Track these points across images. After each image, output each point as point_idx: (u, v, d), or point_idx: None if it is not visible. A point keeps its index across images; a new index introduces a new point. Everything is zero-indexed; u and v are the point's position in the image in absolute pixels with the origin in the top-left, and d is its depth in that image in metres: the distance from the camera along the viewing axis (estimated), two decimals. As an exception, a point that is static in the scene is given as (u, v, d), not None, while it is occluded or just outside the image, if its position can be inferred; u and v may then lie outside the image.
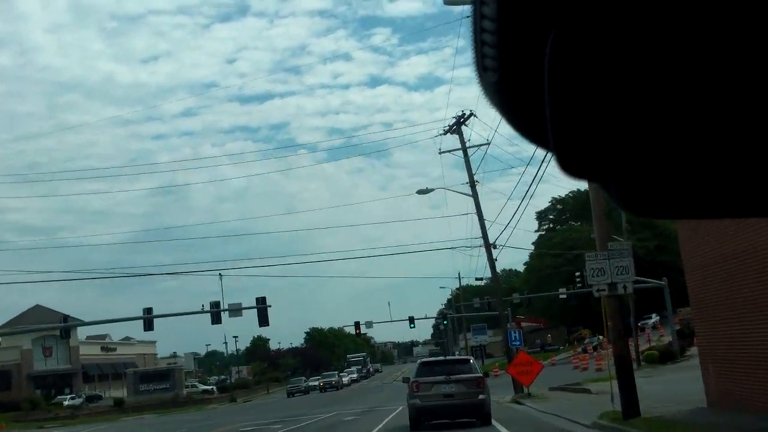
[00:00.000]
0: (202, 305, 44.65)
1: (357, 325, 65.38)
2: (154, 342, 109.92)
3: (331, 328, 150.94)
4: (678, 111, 0.91)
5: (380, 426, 24.49)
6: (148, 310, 44.23)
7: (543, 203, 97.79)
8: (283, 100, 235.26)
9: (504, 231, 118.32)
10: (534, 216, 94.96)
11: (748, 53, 0.86)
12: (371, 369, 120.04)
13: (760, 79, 0.87)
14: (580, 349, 68.67)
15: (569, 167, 0.95)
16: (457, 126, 37.46)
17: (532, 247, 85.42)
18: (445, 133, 37.96)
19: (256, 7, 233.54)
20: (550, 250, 77.02)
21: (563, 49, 0.89)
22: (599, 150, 0.94)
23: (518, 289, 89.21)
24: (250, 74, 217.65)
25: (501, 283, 41.83)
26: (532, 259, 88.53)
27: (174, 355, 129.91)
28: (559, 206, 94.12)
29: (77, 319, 63.21)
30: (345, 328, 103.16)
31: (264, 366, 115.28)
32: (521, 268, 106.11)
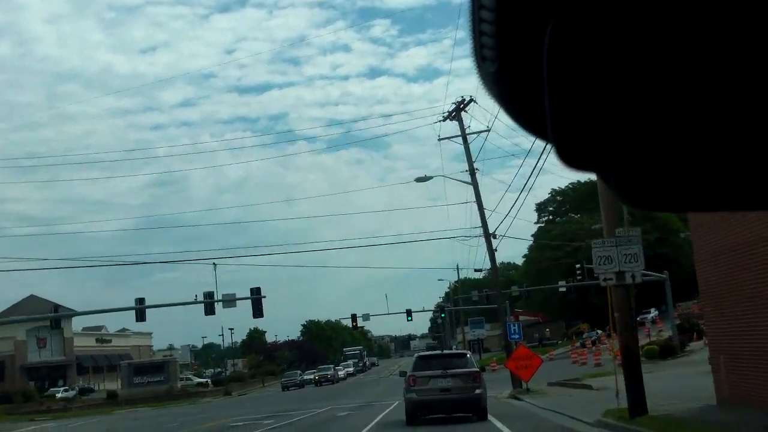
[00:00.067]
0: (195, 295, 43.97)
1: (354, 317, 64.49)
2: (150, 334, 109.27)
3: (328, 320, 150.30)
4: (677, 101, 0.91)
5: (374, 422, 23.68)
6: (140, 300, 43.41)
7: (543, 195, 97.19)
8: (282, 91, 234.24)
9: (503, 221, 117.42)
10: (534, 208, 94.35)
11: (749, 44, 0.86)
12: (368, 362, 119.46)
13: (760, 71, 0.87)
14: (578, 344, 68.16)
15: (568, 158, 0.96)
16: (457, 112, 36.59)
17: (532, 240, 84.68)
18: (444, 120, 37.14)
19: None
20: (551, 241, 76.36)
21: (562, 38, 0.89)
22: (598, 141, 0.95)
23: (517, 282, 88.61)
24: (249, 65, 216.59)
25: (499, 276, 40.97)
26: (531, 252, 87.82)
27: (171, 348, 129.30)
28: (559, 198, 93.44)
29: (69, 309, 62.53)
30: (342, 321, 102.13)
31: (260, 359, 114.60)
32: (520, 262, 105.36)
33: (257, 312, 42.09)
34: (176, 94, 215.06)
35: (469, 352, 28.43)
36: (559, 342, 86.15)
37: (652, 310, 69.89)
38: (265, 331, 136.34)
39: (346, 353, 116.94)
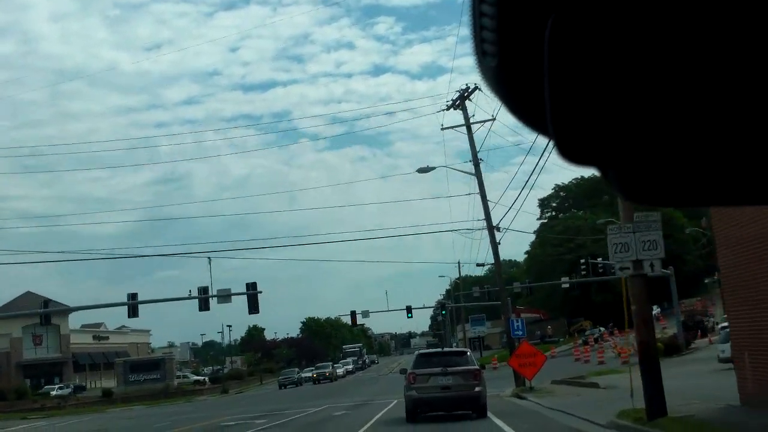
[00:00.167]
0: (189, 291, 42.99)
1: (353, 314, 63.29)
2: (148, 331, 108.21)
3: (327, 318, 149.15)
4: (677, 95, 0.90)
5: (371, 422, 22.49)
6: (133, 296, 42.30)
7: (546, 191, 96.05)
8: (286, 89, 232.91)
9: (507, 214, 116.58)
10: (537, 203, 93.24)
11: (749, 38, 0.85)
12: (367, 360, 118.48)
13: (760, 64, 0.87)
14: (581, 341, 67.15)
15: (568, 153, 0.96)
16: (461, 101, 35.40)
17: (534, 235, 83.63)
18: (448, 108, 35.94)
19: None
20: (555, 236, 75.30)
21: (562, 33, 0.88)
22: (598, 135, 0.95)
23: (519, 278, 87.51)
24: (253, 63, 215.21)
25: (501, 273, 39.78)
26: (534, 248, 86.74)
27: (170, 345, 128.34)
28: (562, 194, 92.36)
29: (62, 305, 61.38)
30: (342, 318, 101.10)
31: (258, 356, 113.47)
32: (521, 260, 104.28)
33: (253, 308, 41.17)
34: (180, 91, 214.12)
35: (469, 349, 27.96)
36: (561, 339, 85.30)
37: (655, 307, 68.87)
38: (264, 329, 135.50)
39: (345, 351, 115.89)
